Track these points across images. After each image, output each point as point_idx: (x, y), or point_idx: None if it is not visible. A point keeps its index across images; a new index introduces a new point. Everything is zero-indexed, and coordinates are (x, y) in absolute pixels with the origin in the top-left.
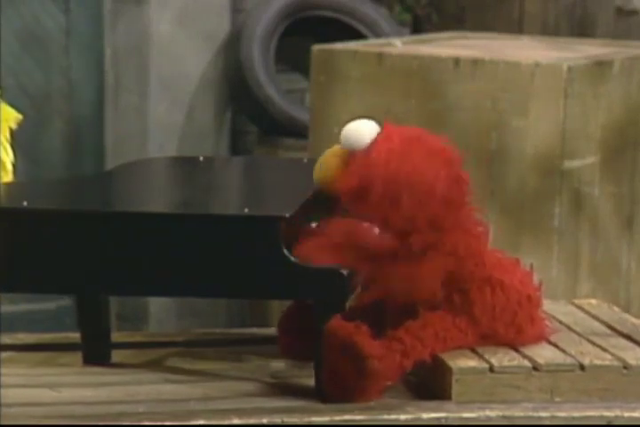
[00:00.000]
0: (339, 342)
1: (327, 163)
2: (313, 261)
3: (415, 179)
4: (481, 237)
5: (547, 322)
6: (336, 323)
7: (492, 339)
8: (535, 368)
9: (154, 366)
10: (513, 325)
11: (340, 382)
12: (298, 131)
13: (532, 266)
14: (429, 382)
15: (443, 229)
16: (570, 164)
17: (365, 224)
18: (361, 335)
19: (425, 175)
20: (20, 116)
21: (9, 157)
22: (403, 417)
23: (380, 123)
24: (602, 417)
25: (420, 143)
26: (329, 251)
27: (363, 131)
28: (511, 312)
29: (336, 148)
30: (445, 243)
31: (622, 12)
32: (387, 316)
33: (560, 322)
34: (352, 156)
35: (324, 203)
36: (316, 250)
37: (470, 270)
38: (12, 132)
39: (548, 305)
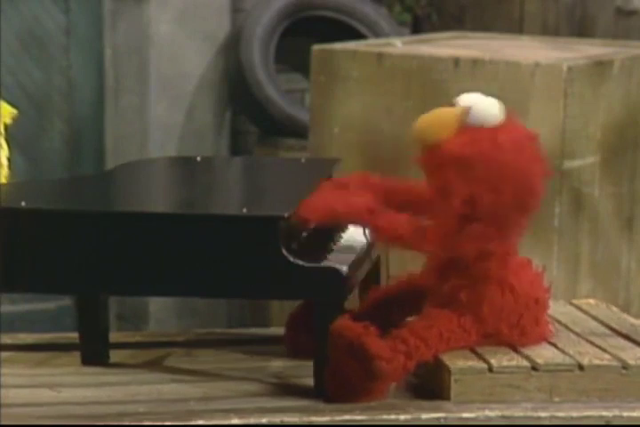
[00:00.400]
0: (346, 343)
1: (443, 120)
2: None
3: (525, 179)
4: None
5: (550, 325)
6: (344, 323)
7: (495, 339)
8: (534, 368)
9: (154, 366)
10: (517, 326)
11: (347, 383)
12: (298, 131)
13: (543, 267)
14: (429, 382)
15: (508, 232)
16: (570, 164)
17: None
18: (369, 337)
19: (534, 179)
20: (14, 111)
21: (4, 152)
22: (402, 417)
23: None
24: (601, 417)
25: (536, 146)
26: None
27: (495, 110)
28: (517, 314)
29: (447, 109)
30: (495, 242)
31: (622, 12)
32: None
33: (559, 322)
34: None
35: None
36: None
37: (490, 271)
38: (7, 127)
39: None
